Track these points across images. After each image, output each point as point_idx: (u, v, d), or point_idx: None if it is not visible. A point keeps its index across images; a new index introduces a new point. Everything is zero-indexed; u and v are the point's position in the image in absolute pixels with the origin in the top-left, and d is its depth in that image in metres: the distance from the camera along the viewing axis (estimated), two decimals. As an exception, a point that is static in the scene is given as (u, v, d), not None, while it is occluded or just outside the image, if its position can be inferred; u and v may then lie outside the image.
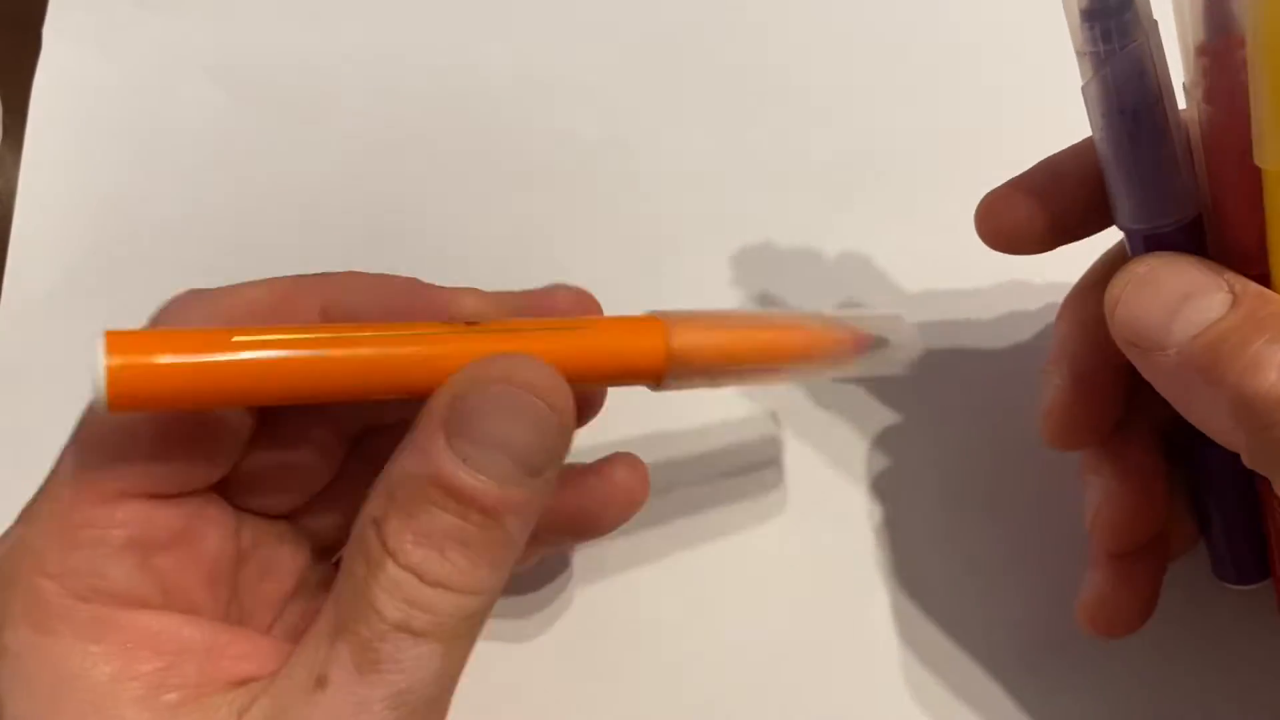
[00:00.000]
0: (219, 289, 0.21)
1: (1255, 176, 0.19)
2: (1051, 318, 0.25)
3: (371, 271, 0.21)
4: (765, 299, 0.30)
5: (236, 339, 0.17)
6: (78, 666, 0.17)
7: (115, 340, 0.17)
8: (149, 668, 0.18)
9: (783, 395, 0.29)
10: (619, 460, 0.22)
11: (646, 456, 0.24)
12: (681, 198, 0.31)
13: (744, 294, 0.30)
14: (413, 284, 0.21)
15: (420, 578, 0.17)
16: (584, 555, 0.27)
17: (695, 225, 0.31)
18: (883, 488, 0.28)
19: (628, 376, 0.21)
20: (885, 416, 0.29)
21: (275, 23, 0.34)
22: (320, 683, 0.17)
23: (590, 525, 0.22)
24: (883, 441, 0.28)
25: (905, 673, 0.27)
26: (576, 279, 0.30)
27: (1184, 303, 0.19)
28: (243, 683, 0.18)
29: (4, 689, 0.17)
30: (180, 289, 0.30)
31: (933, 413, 0.29)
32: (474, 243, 0.31)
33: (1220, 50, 0.19)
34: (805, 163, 0.31)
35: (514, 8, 0.33)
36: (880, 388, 0.29)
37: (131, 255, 0.31)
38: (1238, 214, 0.20)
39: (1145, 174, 0.20)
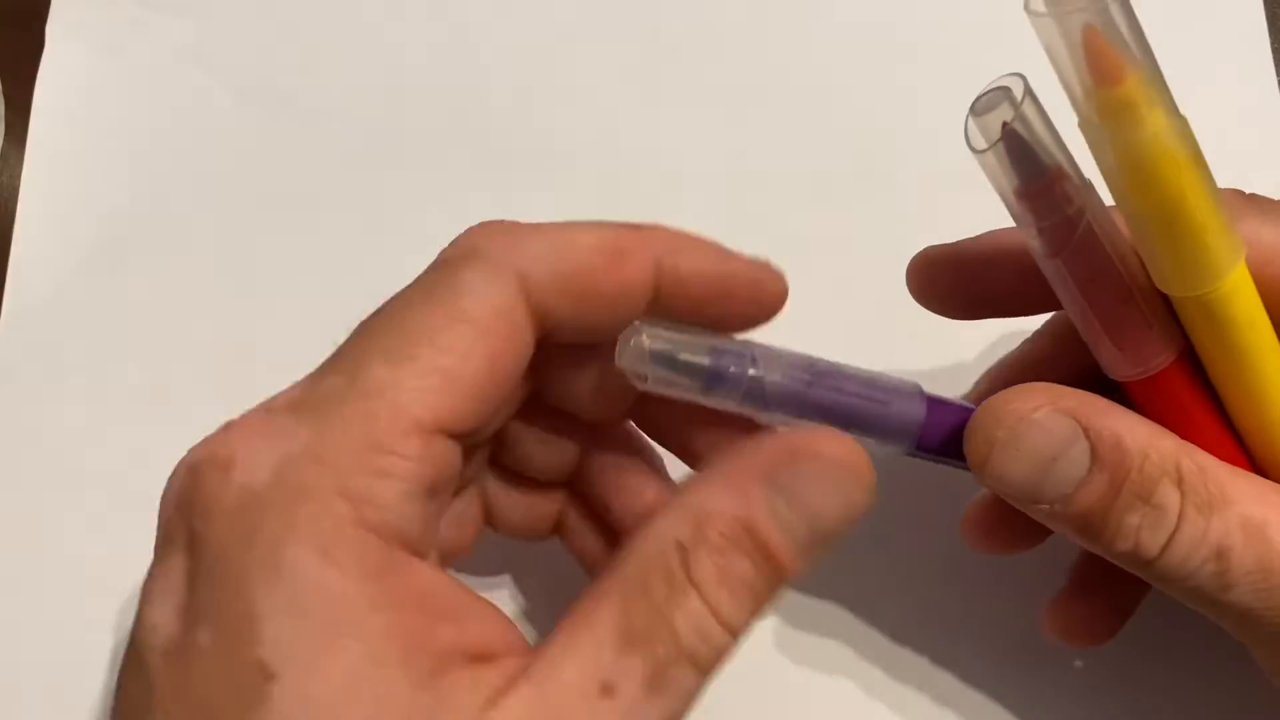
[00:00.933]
0: (548, 226, 0.20)
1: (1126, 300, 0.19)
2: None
3: (685, 232, 0.21)
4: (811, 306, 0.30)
5: None
6: (356, 611, 0.16)
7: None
8: (413, 622, 0.17)
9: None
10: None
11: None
12: (683, 197, 0.31)
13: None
14: (725, 252, 0.21)
15: (714, 615, 0.17)
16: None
17: (698, 225, 0.31)
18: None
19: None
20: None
21: (276, 22, 0.34)
22: (607, 691, 0.17)
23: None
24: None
25: (898, 673, 0.27)
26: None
27: (1050, 465, 0.20)
28: (481, 658, 0.17)
29: (266, 611, 0.16)
30: (184, 285, 0.30)
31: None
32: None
33: (1040, 191, 0.19)
34: (808, 162, 0.32)
35: (516, 6, 0.34)
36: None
37: (134, 252, 0.31)
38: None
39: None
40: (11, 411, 0.29)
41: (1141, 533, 0.19)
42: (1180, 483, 0.19)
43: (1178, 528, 0.19)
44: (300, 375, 0.21)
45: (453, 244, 0.20)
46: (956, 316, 0.24)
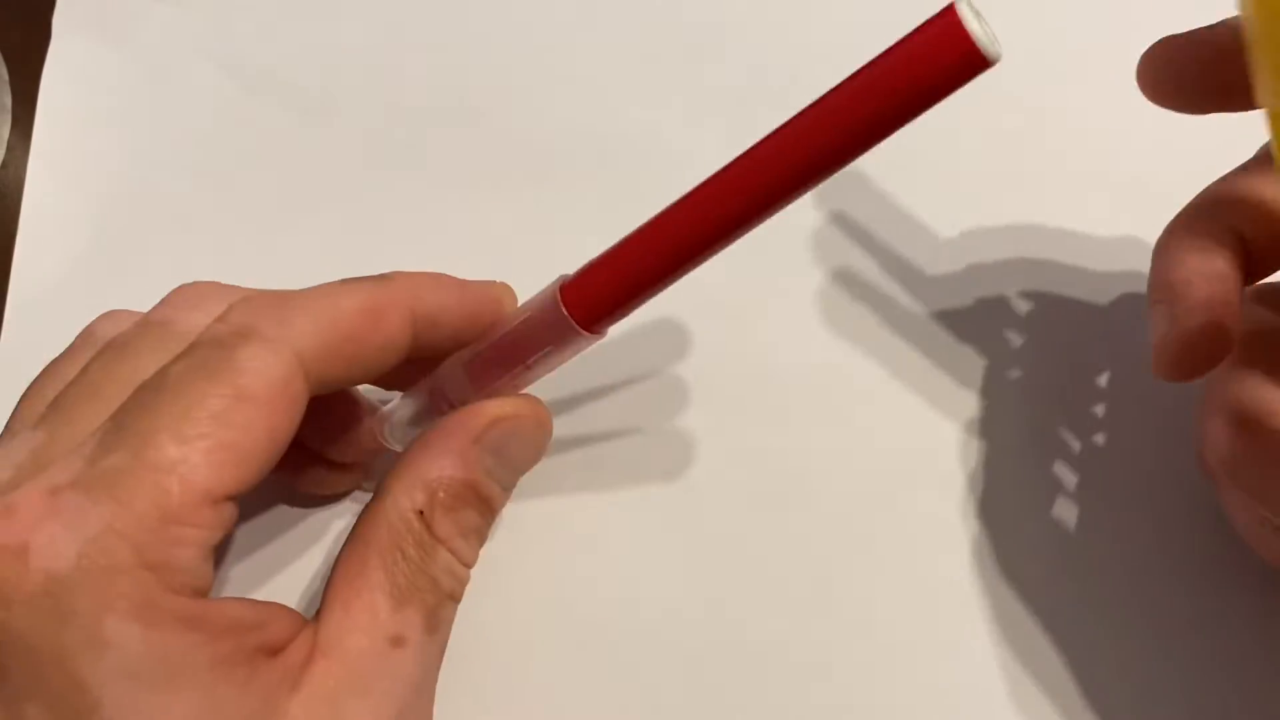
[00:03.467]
0: (310, 297, 0.21)
1: None
2: (1058, 321, 0.25)
3: (421, 275, 0.23)
4: (771, 295, 0.30)
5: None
6: (183, 657, 0.18)
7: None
8: (230, 649, 0.19)
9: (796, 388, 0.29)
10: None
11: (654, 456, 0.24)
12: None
13: (751, 289, 0.30)
14: (458, 282, 0.23)
15: (459, 560, 0.22)
16: (584, 553, 0.27)
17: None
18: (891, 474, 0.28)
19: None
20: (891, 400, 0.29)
21: (283, 15, 0.34)
22: (397, 642, 0.20)
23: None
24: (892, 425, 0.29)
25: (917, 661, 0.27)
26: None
27: None
28: (279, 649, 0.20)
29: (102, 680, 0.17)
30: (189, 279, 0.30)
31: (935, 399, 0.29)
32: (478, 236, 0.31)
33: None
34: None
35: (525, 2, 0.34)
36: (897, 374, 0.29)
37: (139, 245, 0.31)
38: None
39: None
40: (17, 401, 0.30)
41: None
42: None
43: None
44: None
45: (221, 320, 0.21)
46: (1191, 110, 0.24)
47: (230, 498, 0.19)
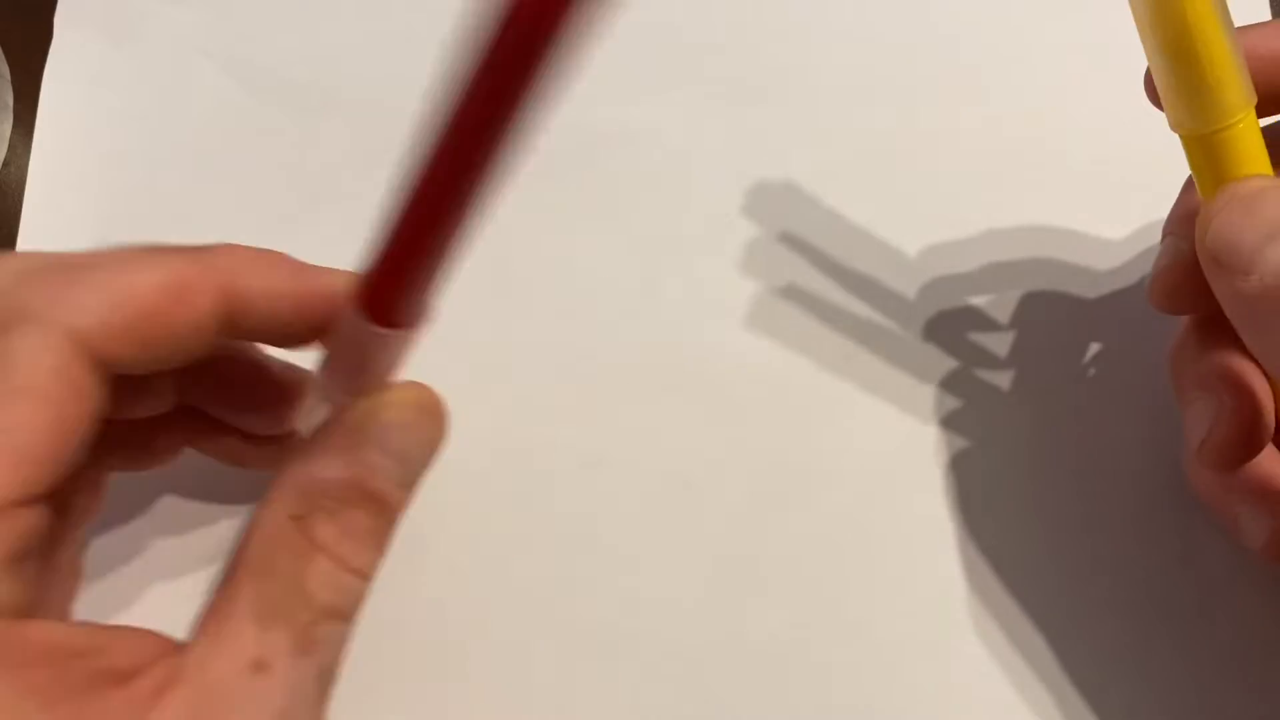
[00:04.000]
0: (101, 271, 0.19)
1: None
2: (1061, 319, 0.25)
3: (247, 249, 0.21)
4: (775, 294, 0.30)
5: None
6: None
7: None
8: (45, 678, 0.17)
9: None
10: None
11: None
12: (689, 192, 0.31)
13: (754, 287, 0.30)
14: (297, 266, 0.21)
15: (344, 567, 0.19)
16: (582, 552, 0.28)
17: (701, 220, 0.31)
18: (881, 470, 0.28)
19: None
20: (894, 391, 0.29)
21: (285, 14, 0.34)
22: (259, 666, 0.18)
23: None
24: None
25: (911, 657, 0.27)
26: (581, 269, 0.30)
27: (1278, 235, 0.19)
28: (132, 675, 0.18)
29: None
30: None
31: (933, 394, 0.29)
32: (481, 233, 0.31)
33: None
34: (811, 159, 0.32)
35: None
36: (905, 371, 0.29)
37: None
38: None
39: None
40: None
41: None
42: None
43: None
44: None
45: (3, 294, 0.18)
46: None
47: (20, 503, 0.17)
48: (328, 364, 0.21)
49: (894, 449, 0.29)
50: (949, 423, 0.29)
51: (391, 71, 0.33)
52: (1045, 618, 0.27)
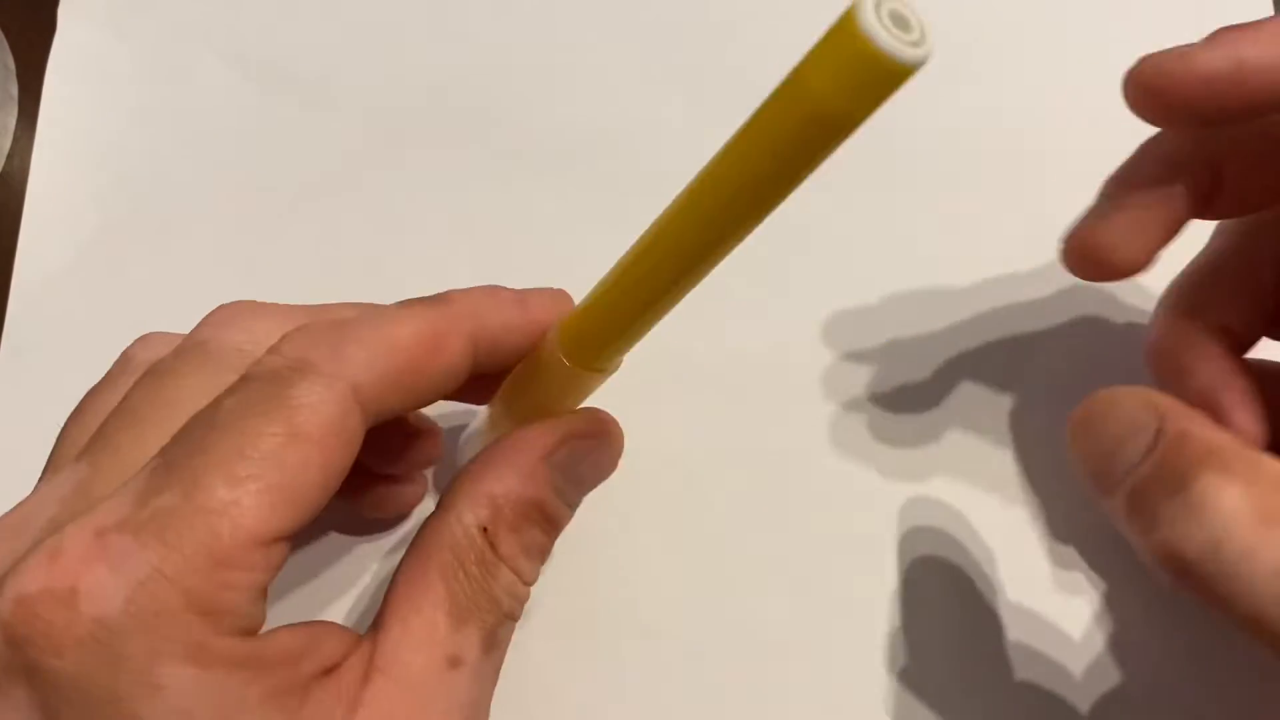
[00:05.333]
0: (364, 328, 0.20)
1: None
2: (1061, 320, 0.25)
3: (480, 291, 0.22)
4: (780, 294, 0.30)
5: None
6: (236, 697, 0.18)
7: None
8: (278, 679, 0.18)
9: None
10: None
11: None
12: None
13: (757, 288, 0.30)
14: (518, 296, 0.22)
15: (521, 579, 0.21)
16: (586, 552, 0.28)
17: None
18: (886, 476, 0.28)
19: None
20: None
21: (286, 6, 0.34)
22: (454, 662, 0.20)
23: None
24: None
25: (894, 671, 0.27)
26: (586, 269, 0.30)
27: (1119, 447, 0.20)
28: (333, 668, 0.19)
29: None
30: (193, 267, 0.31)
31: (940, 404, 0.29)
32: (482, 228, 0.31)
33: None
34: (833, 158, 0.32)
35: (524, -4, 0.34)
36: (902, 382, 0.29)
37: (143, 235, 0.31)
38: None
39: None
40: (21, 390, 0.30)
41: (1175, 524, 0.19)
42: (1224, 472, 0.19)
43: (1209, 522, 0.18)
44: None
45: (275, 352, 0.20)
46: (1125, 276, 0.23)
47: (281, 539, 0.19)
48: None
49: (894, 448, 0.29)
50: (950, 423, 0.29)
51: (393, 64, 0.33)
52: (1049, 614, 0.27)
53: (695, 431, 0.29)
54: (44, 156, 0.32)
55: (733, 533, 0.28)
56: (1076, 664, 0.26)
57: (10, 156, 0.32)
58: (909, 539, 0.28)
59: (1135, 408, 0.20)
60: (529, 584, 0.21)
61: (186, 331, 0.22)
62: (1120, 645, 0.27)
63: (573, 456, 0.22)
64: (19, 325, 0.30)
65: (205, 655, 0.18)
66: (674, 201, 0.18)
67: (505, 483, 0.21)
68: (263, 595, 0.19)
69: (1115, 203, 0.23)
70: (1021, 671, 0.26)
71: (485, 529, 0.21)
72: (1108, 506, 0.20)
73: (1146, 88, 0.21)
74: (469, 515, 0.21)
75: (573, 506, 0.22)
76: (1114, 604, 0.27)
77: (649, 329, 0.20)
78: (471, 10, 0.34)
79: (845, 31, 0.13)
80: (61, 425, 0.26)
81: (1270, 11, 0.33)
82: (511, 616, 0.21)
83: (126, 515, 0.18)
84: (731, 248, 0.18)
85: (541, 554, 0.22)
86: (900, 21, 0.13)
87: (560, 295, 0.23)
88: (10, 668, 0.18)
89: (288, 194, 0.32)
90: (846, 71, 0.14)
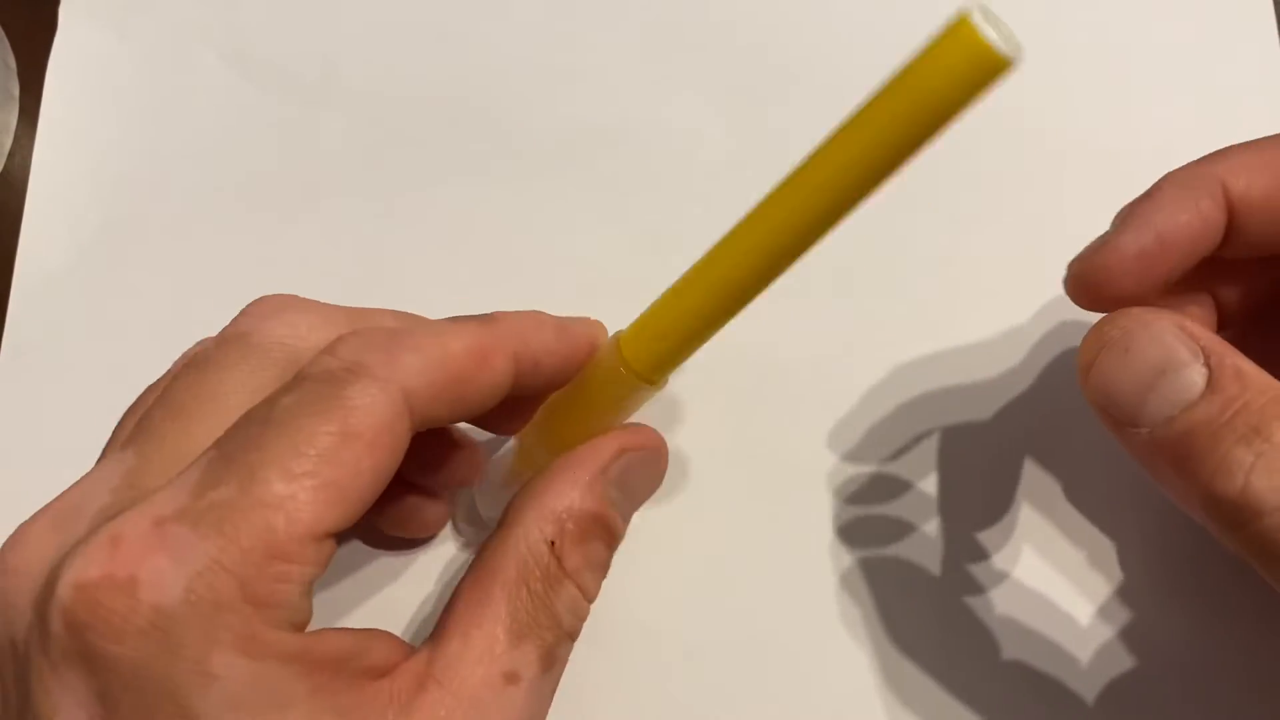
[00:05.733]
0: (420, 338, 0.21)
1: None
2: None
3: (522, 316, 0.23)
4: (783, 293, 0.30)
5: None
6: (288, 690, 0.18)
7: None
8: (327, 677, 0.19)
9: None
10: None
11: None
12: (696, 188, 0.31)
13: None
14: (560, 323, 0.23)
15: (584, 595, 0.21)
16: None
17: (701, 218, 0.31)
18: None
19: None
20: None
21: (286, 6, 0.34)
22: (511, 679, 0.20)
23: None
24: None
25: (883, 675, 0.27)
26: (587, 268, 0.30)
27: (1158, 379, 0.19)
28: (385, 673, 0.20)
29: (206, 711, 0.18)
30: (194, 265, 0.31)
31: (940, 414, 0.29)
32: (482, 227, 0.31)
33: None
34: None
35: (525, -5, 0.34)
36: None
37: (144, 234, 0.31)
38: None
39: None
40: (22, 388, 0.30)
41: (1254, 473, 0.18)
42: None
43: None
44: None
45: (331, 353, 0.20)
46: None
47: (332, 535, 0.19)
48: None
49: (894, 448, 0.29)
50: (951, 423, 0.29)
51: (392, 62, 0.33)
52: (1052, 612, 0.27)
53: (696, 431, 0.29)
54: (45, 155, 0.32)
55: (733, 532, 0.28)
56: (1082, 657, 0.26)
57: (11, 155, 0.32)
58: (909, 539, 0.28)
59: (1170, 337, 0.19)
60: (590, 600, 0.22)
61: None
62: (1127, 640, 0.27)
63: (627, 469, 0.22)
64: (19, 325, 0.30)
65: (258, 647, 0.18)
66: (762, 201, 0.19)
67: (568, 498, 0.22)
68: (311, 590, 0.19)
69: (1126, 232, 0.22)
70: (1024, 671, 0.27)
71: (552, 543, 0.21)
72: (1130, 440, 0.19)
73: (1086, 285, 0.22)
74: (535, 531, 0.21)
75: (627, 519, 0.23)
76: (1121, 599, 0.27)
77: (713, 336, 0.21)
78: (472, 10, 0.34)
79: (961, 32, 0.16)
80: (61, 425, 0.27)
81: (1270, 11, 0.33)
82: (571, 635, 0.21)
83: (184, 506, 0.18)
84: (815, 244, 0.19)
85: (603, 568, 0.22)
86: (995, 23, 0.16)
87: (596, 325, 0.23)
88: (68, 653, 0.18)
89: (288, 194, 0.32)
90: (963, 66, 0.16)
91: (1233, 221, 0.21)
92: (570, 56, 0.33)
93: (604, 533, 0.22)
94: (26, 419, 0.30)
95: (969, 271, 0.30)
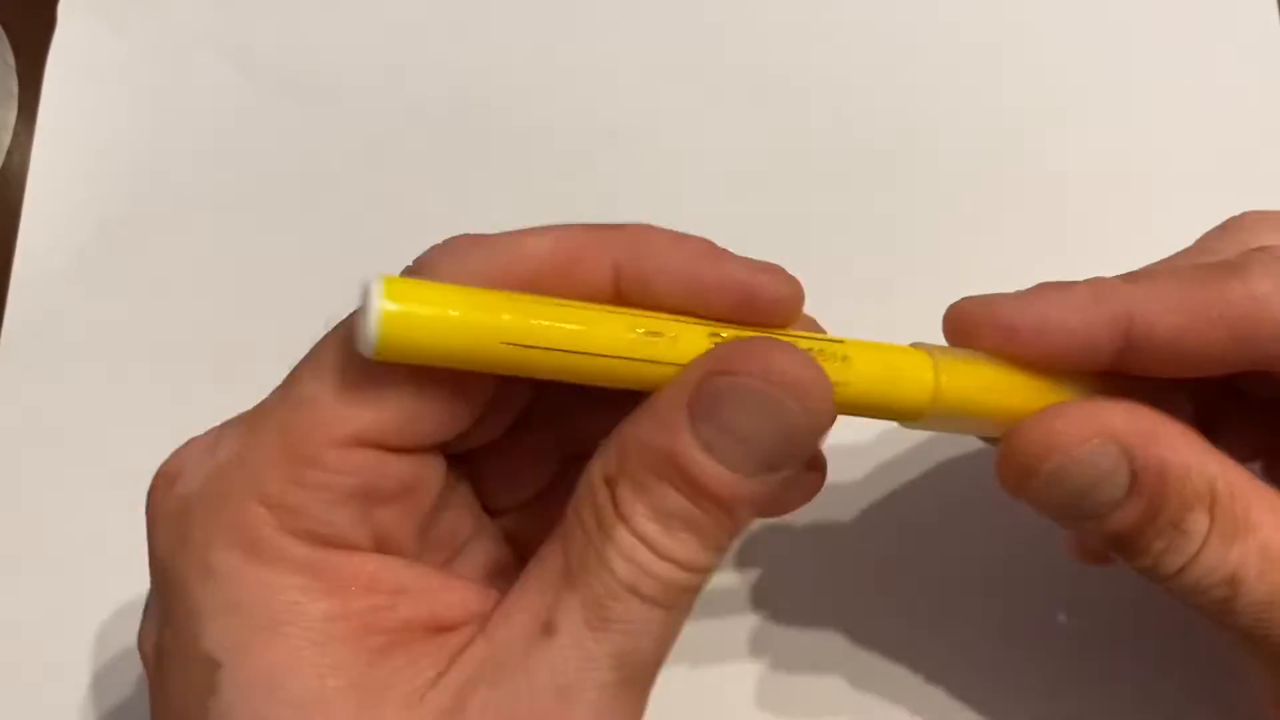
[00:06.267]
0: (499, 237, 0.19)
1: None
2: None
3: (659, 230, 0.20)
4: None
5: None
6: (293, 600, 0.17)
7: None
8: (361, 605, 0.17)
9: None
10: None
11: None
12: (696, 188, 0.31)
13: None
14: (708, 250, 0.19)
15: (650, 547, 0.17)
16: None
17: (701, 218, 0.31)
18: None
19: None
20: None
21: (288, 4, 0.34)
22: (548, 629, 0.17)
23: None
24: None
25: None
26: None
27: (1090, 492, 0.19)
28: (452, 628, 0.18)
29: (205, 609, 0.17)
30: (192, 265, 0.31)
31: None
32: (482, 227, 0.31)
33: None
34: (815, 157, 0.32)
35: (527, -6, 0.34)
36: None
37: (143, 232, 0.31)
38: None
39: None
40: (19, 387, 0.30)
41: (1164, 555, 0.19)
42: (1212, 507, 0.19)
43: (1198, 554, 0.19)
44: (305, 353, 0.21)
45: (417, 261, 0.19)
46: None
47: (373, 443, 0.17)
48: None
49: (895, 448, 0.29)
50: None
51: (392, 62, 0.33)
52: (1053, 618, 0.27)
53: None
54: (44, 153, 0.32)
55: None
56: (1079, 657, 0.26)
57: (10, 152, 0.32)
58: (910, 538, 0.28)
59: (1096, 457, 0.19)
60: (671, 559, 0.17)
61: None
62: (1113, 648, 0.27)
63: (717, 400, 0.17)
64: (18, 323, 0.30)
65: (260, 547, 0.17)
66: None
67: (637, 427, 0.17)
68: (349, 504, 0.17)
69: (1015, 302, 0.20)
70: (1023, 673, 0.27)
71: (609, 479, 0.17)
72: (1076, 532, 0.20)
73: (954, 328, 0.21)
74: (597, 465, 0.17)
75: (749, 472, 0.17)
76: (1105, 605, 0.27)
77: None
78: (472, 9, 0.34)
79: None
80: (59, 421, 0.26)
81: (1274, 12, 0.33)
82: (637, 592, 0.17)
83: (249, 410, 0.18)
84: None
85: (688, 527, 0.17)
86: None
87: (775, 276, 0.19)
88: (149, 548, 0.18)
89: (288, 193, 0.32)
90: None
91: (1131, 348, 0.20)
92: (571, 57, 0.33)
93: (680, 479, 0.17)
94: (24, 416, 0.29)
95: (969, 272, 0.30)
